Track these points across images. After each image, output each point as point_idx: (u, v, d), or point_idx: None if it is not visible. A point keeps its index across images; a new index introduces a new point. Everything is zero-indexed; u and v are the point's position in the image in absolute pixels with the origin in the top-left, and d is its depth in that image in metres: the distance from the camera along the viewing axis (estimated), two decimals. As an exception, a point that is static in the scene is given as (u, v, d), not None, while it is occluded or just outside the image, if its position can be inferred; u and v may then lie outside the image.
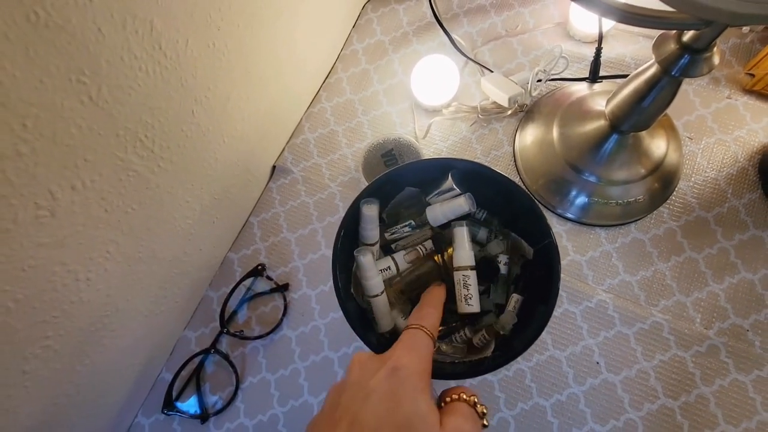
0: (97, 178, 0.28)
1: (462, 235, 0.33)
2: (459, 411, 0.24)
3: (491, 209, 0.38)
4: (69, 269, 0.29)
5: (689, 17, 0.25)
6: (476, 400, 0.25)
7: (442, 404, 0.25)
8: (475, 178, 0.34)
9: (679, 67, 0.30)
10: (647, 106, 0.35)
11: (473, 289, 0.31)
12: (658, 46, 0.31)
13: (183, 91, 0.33)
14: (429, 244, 0.36)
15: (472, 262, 0.32)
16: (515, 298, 0.33)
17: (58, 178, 0.26)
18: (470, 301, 0.31)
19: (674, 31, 0.30)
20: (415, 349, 0.25)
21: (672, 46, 0.30)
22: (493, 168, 0.33)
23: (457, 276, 0.32)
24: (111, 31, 0.25)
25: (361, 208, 0.34)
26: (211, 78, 0.35)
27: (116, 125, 0.28)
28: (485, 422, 0.24)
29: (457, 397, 0.25)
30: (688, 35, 0.29)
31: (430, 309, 0.29)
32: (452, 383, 0.28)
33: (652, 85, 0.33)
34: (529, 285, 0.34)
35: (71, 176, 0.27)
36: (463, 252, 0.32)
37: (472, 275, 0.32)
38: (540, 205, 0.46)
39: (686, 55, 0.30)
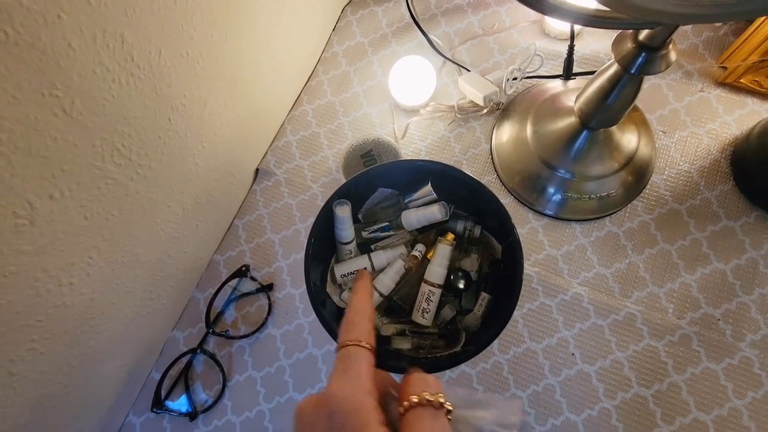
0: (75, 187, 0.29)
1: (443, 253, 0.34)
2: (418, 422, 0.21)
3: (464, 207, 0.39)
4: (51, 275, 0.30)
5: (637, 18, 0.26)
6: (428, 397, 0.21)
7: (401, 409, 0.21)
8: (447, 178, 0.36)
9: (637, 65, 0.31)
10: (612, 104, 0.36)
11: (432, 306, 0.33)
12: (616, 45, 0.32)
13: (158, 99, 0.34)
14: (421, 247, 0.37)
15: (441, 281, 0.34)
16: (483, 297, 0.34)
17: (35, 188, 0.27)
18: (426, 315, 0.33)
19: (631, 31, 0.31)
20: (349, 373, 0.22)
21: (629, 45, 0.31)
22: (462, 170, 0.34)
23: (424, 287, 0.34)
24: (81, 45, 0.26)
25: (334, 210, 0.35)
26: (186, 86, 0.36)
27: (92, 136, 0.29)
28: (450, 417, 0.22)
29: (417, 400, 0.21)
30: (643, 34, 0.30)
31: (357, 317, 0.26)
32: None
33: (614, 83, 0.34)
34: (497, 283, 0.35)
35: (49, 186, 0.28)
36: (438, 269, 0.34)
37: (437, 293, 0.33)
38: (517, 202, 0.47)
39: (643, 54, 0.30)
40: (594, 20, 0.26)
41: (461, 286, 0.34)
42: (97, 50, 0.27)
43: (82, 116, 0.28)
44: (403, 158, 0.47)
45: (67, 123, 0.27)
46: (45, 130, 0.26)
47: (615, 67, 0.33)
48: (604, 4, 0.22)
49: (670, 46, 0.30)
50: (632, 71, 0.31)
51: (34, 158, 0.26)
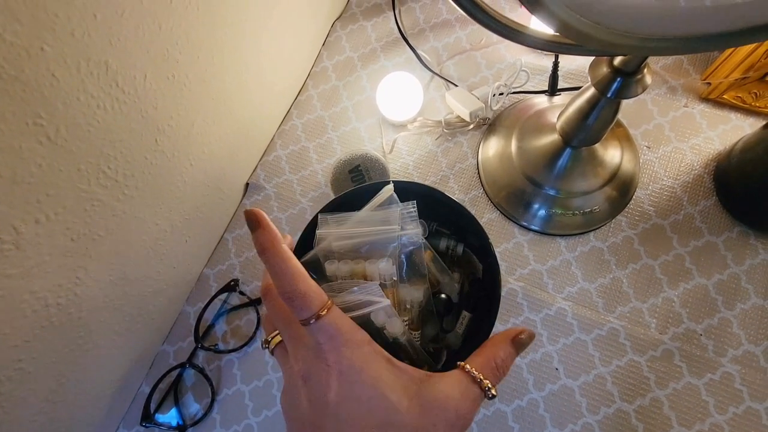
0: (61, 210, 0.30)
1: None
2: (448, 379, 0.22)
3: (446, 225, 0.39)
4: (38, 296, 0.31)
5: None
6: (473, 372, 0.23)
7: None
8: (429, 198, 0.36)
9: (613, 90, 0.32)
10: (592, 124, 0.36)
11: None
12: (592, 69, 0.32)
13: (144, 122, 0.34)
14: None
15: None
16: (463, 315, 0.34)
17: (21, 213, 0.27)
18: None
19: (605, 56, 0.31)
20: (352, 344, 0.22)
21: (605, 70, 0.31)
22: (443, 191, 0.35)
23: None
24: (65, 75, 0.27)
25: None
26: (173, 107, 0.37)
27: (77, 160, 0.30)
28: (493, 392, 0.23)
29: (463, 365, 0.23)
30: (618, 59, 0.30)
31: (303, 284, 0.22)
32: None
33: (593, 105, 0.35)
34: (478, 302, 0.35)
35: (34, 211, 0.28)
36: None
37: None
38: (503, 216, 0.47)
39: (619, 78, 0.31)
40: (562, 48, 0.27)
41: (441, 308, 0.35)
42: (81, 79, 0.28)
43: (67, 142, 0.29)
44: (390, 174, 0.48)
45: (51, 150, 0.28)
46: (30, 158, 0.27)
47: (593, 90, 0.34)
48: (568, 38, 0.23)
49: (645, 71, 0.31)
50: (609, 95, 0.32)
51: (18, 185, 0.27)
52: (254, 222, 0.22)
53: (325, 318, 0.21)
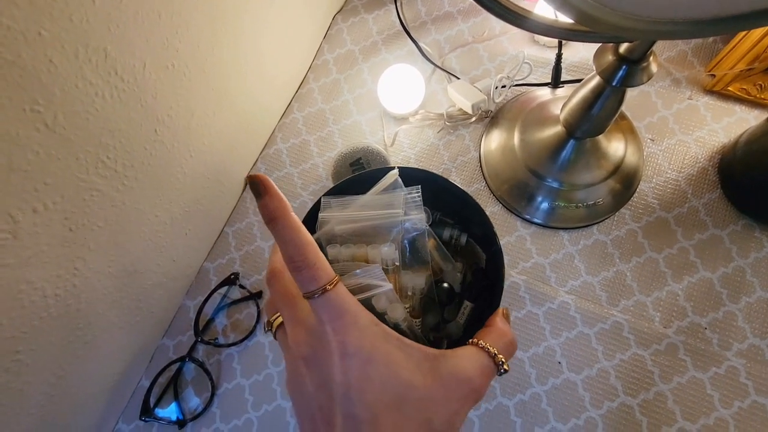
0: (59, 199, 0.30)
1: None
2: (463, 353, 0.22)
3: (450, 214, 0.39)
4: (35, 287, 0.30)
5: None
6: (488, 347, 0.23)
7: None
8: (433, 186, 0.36)
9: (618, 78, 0.31)
10: (596, 114, 0.36)
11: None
12: (597, 57, 0.32)
13: (143, 111, 0.34)
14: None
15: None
16: (465, 305, 0.34)
17: (18, 201, 0.27)
18: None
19: (611, 43, 0.31)
20: (360, 322, 0.21)
21: (610, 58, 0.31)
22: (448, 179, 0.34)
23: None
24: (63, 61, 0.26)
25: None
26: (172, 97, 0.36)
27: (75, 149, 0.29)
28: (505, 367, 0.23)
29: (476, 341, 0.23)
30: (623, 47, 0.30)
31: (313, 255, 0.21)
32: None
33: (597, 94, 0.34)
34: (480, 292, 0.35)
35: (31, 199, 0.28)
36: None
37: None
38: (505, 209, 0.47)
39: (624, 66, 0.31)
40: (569, 34, 0.27)
41: (443, 297, 0.34)
42: (79, 65, 0.28)
43: (65, 130, 0.28)
44: (391, 166, 0.47)
45: (49, 137, 0.27)
46: (27, 145, 0.26)
47: (597, 79, 0.33)
48: (577, 21, 0.22)
49: (651, 58, 0.30)
50: (614, 84, 0.32)
51: (15, 173, 0.26)
52: (260, 188, 0.20)
53: (331, 292, 0.21)
